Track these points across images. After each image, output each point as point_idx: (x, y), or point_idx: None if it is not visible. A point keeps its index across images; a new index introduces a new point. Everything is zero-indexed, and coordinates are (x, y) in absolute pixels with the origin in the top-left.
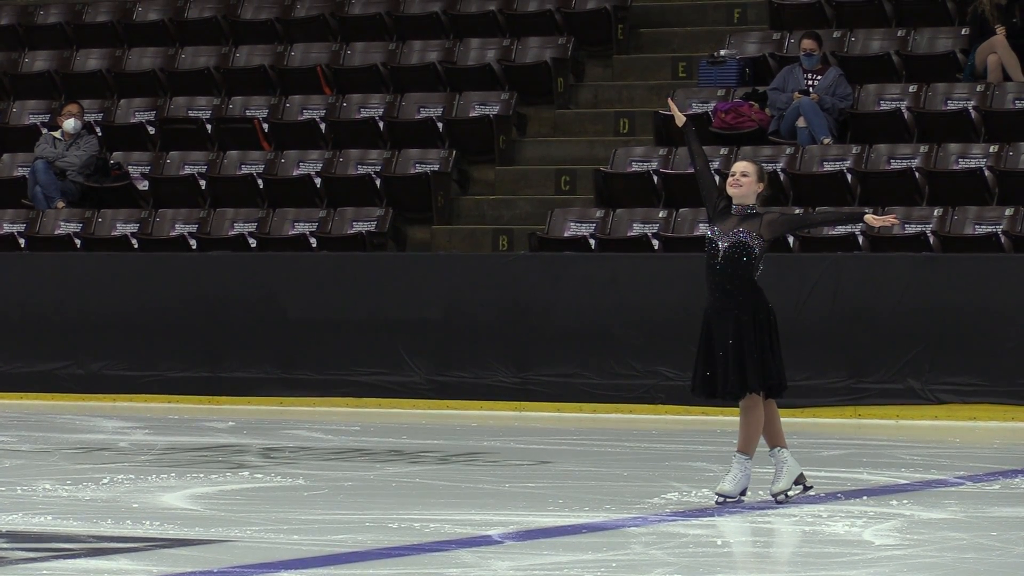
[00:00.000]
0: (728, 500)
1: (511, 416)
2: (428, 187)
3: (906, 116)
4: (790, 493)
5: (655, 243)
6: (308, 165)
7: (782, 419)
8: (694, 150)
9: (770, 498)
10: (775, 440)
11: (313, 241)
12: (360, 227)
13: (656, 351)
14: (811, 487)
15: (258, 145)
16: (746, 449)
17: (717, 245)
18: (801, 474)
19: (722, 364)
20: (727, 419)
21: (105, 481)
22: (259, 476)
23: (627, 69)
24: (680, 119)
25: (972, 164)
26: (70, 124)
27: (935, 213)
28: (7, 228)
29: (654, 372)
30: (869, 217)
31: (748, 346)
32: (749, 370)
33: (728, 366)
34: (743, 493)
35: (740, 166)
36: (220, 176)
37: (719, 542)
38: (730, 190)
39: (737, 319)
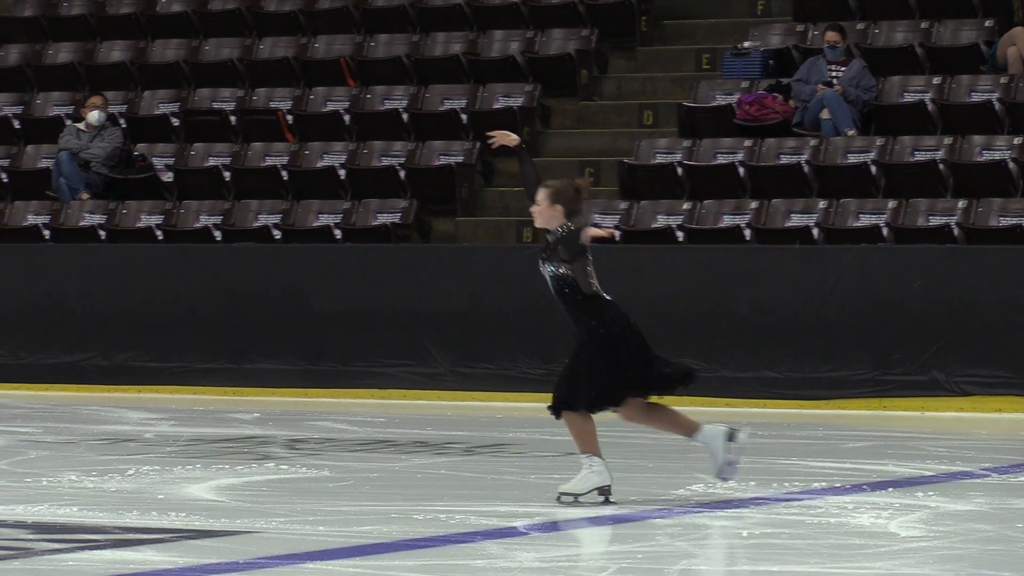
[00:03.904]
0: (575, 499)
1: (536, 407)
2: (452, 179)
3: (930, 108)
4: (582, 498)
5: (679, 235)
6: (332, 157)
7: (808, 410)
8: (527, 174)
9: (796, 490)
10: (589, 447)
11: (337, 233)
12: (384, 219)
13: (680, 342)
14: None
15: (282, 137)
16: (586, 450)
17: (546, 279)
18: (607, 487)
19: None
20: (751, 411)
21: (131, 472)
22: (284, 467)
23: (651, 61)
24: (512, 140)
25: (996, 156)
26: (94, 116)
27: (959, 205)
28: (32, 219)
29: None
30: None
31: (570, 363)
32: (558, 387)
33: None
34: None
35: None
36: (244, 168)
37: (744, 534)
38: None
39: (578, 338)
